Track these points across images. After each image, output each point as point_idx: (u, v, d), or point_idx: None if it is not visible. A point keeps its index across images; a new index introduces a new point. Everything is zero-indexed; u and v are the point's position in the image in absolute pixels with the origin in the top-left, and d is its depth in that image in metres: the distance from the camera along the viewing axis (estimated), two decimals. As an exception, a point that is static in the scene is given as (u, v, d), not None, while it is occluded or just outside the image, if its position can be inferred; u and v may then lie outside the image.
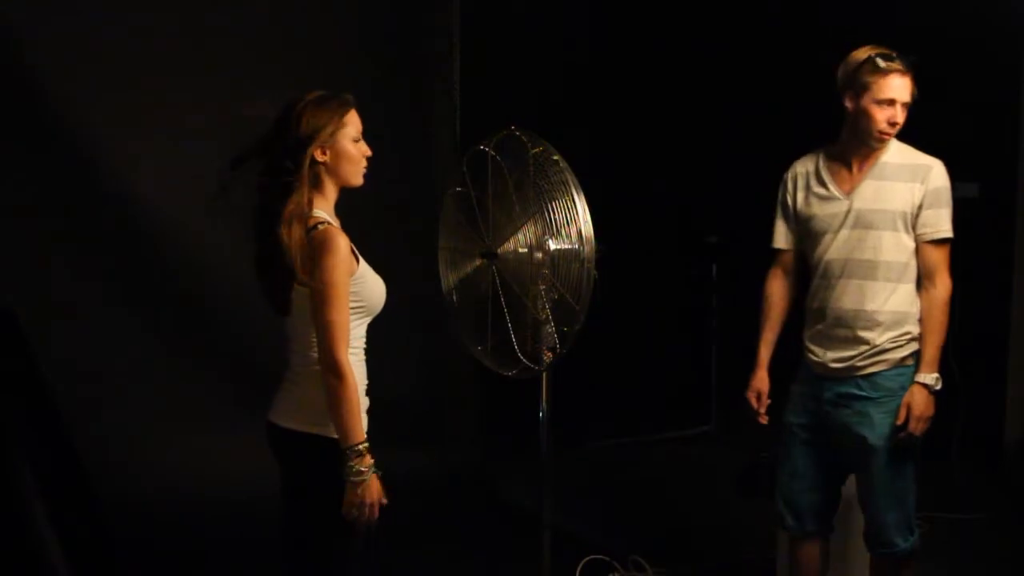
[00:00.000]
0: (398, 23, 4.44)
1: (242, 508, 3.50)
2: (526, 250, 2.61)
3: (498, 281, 2.67)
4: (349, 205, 4.36)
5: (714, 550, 3.69)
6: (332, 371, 2.16)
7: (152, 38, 3.86)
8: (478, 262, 2.74)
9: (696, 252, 5.48)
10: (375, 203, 4.34)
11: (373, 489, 2.19)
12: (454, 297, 2.85)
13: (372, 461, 2.19)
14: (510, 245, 2.65)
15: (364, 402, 2.33)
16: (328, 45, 4.23)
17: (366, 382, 2.34)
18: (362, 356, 2.34)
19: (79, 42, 3.75)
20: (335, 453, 2.21)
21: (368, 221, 4.55)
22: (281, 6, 4.15)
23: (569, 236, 2.51)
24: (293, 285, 2.23)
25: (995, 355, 4.73)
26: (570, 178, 2.51)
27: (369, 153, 2.36)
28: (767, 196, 5.91)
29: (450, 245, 2.86)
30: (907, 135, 5.27)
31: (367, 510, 2.18)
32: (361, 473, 2.17)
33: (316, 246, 2.17)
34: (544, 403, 2.80)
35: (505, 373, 2.72)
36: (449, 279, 2.85)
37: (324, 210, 2.27)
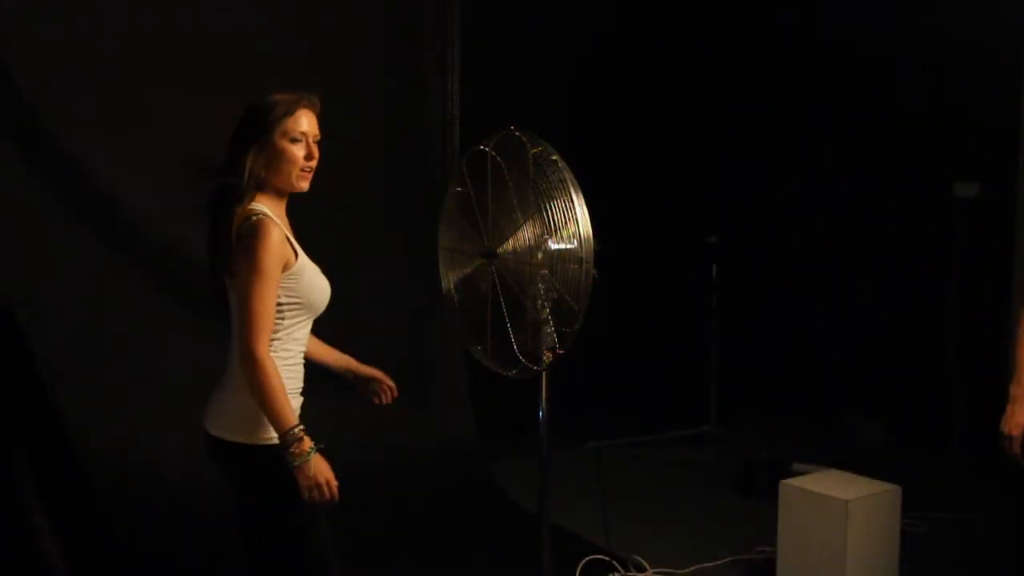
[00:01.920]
0: (397, 23, 4.44)
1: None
2: (525, 250, 2.61)
3: (498, 281, 2.67)
4: (348, 205, 4.39)
5: (714, 550, 3.69)
6: (248, 362, 2.09)
7: (149, 33, 3.85)
8: (478, 262, 2.74)
9: (696, 252, 5.48)
10: (375, 203, 4.37)
11: (321, 468, 2.12)
12: (454, 297, 2.84)
13: (311, 443, 2.11)
14: (510, 245, 2.64)
15: (297, 402, 2.28)
16: (327, 45, 4.23)
17: (302, 384, 2.30)
18: (301, 359, 2.29)
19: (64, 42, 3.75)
20: (268, 460, 2.15)
21: (368, 221, 4.58)
22: (279, 5, 4.15)
23: (568, 236, 2.50)
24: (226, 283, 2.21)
25: (995, 355, 4.73)
26: (569, 178, 2.51)
27: (314, 156, 2.26)
28: (767, 196, 5.96)
29: (450, 245, 2.85)
30: (908, 134, 5.31)
31: (323, 490, 2.12)
32: (303, 456, 2.10)
33: (245, 234, 2.13)
34: (544, 403, 2.79)
35: (505, 373, 2.71)
36: (449, 279, 2.85)
37: (267, 207, 2.21)
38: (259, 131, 2.22)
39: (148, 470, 3.83)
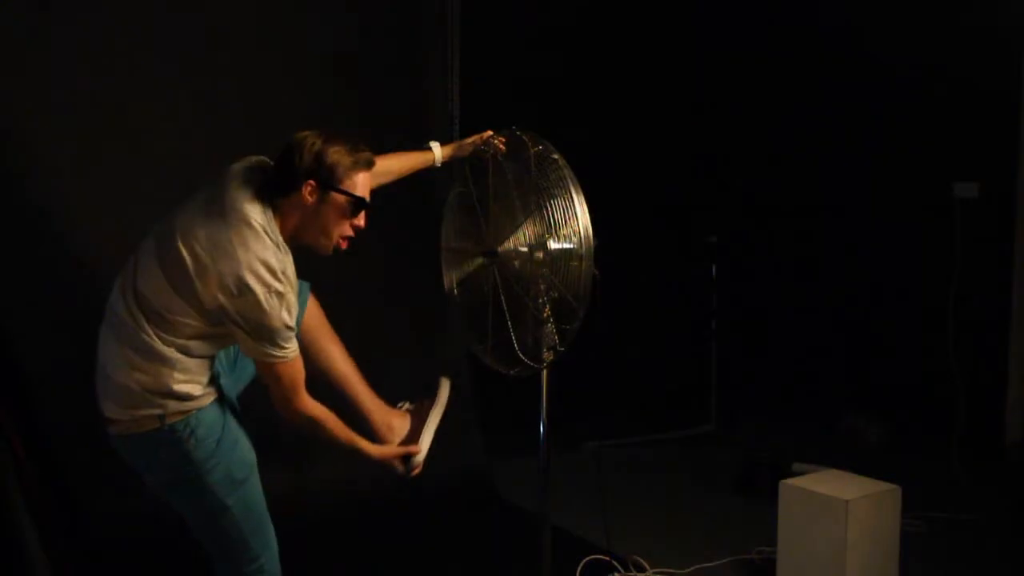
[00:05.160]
0: (397, 23, 4.44)
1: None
2: (526, 249, 2.61)
3: (499, 280, 2.67)
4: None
5: (714, 550, 3.69)
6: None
7: (147, 30, 3.84)
8: (479, 261, 2.74)
9: (696, 252, 5.48)
10: (374, 204, 4.36)
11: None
12: (456, 296, 2.85)
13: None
14: (511, 244, 2.65)
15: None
16: (327, 46, 4.22)
17: None
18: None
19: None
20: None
21: (367, 221, 4.54)
22: (278, 5, 4.14)
23: (568, 235, 2.51)
24: None
25: (995, 355, 4.73)
26: (569, 177, 2.51)
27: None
28: (767, 196, 5.97)
29: (451, 245, 2.86)
30: (908, 134, 5.31)
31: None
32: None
33: None
34: (544, 403, 2.80)
35: (506, 372, 2.72)
36: (451, 278, 2.86)
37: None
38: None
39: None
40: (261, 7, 4.08)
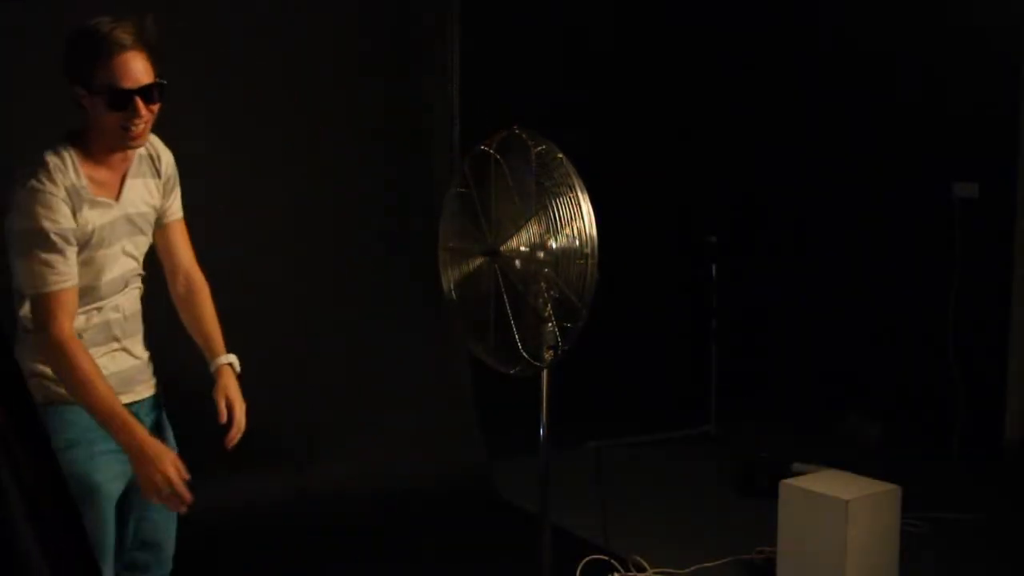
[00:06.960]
0: (397, 22, 4.44)
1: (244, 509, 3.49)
2: (528, 248, 2.61)
3: (500, 279, 2.67)
4: (348, 207, 4.34)
5: (714, 550, 3.69)
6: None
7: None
8: (480, 261, 2.74)
9: (696, 252, 5.48)
10: (375, 203, 4.36)
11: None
12: (454, 296, 2.85)
13: None
14: (512, 243, 2.65)
15: None
16: (328, 46, 4.22)
17: None
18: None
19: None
20: None
21: (367, 221, 4.55)
22: (278, 5, 4.14)
23: (571, 234, 2.51)
24: None
25: (995, 355, 4.73)
26: (574, 176, 2.51)
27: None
28: (767, 196, 5.96)
29: (451, 245, 2.86)
30: (908, 134, 5.30)
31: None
32: None
33: None
34: (544, 403, 2.79)
35: (507, 371, 2.71)
36: (450, 278, 2.85)
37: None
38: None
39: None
40: (261, 7, 4.08)
